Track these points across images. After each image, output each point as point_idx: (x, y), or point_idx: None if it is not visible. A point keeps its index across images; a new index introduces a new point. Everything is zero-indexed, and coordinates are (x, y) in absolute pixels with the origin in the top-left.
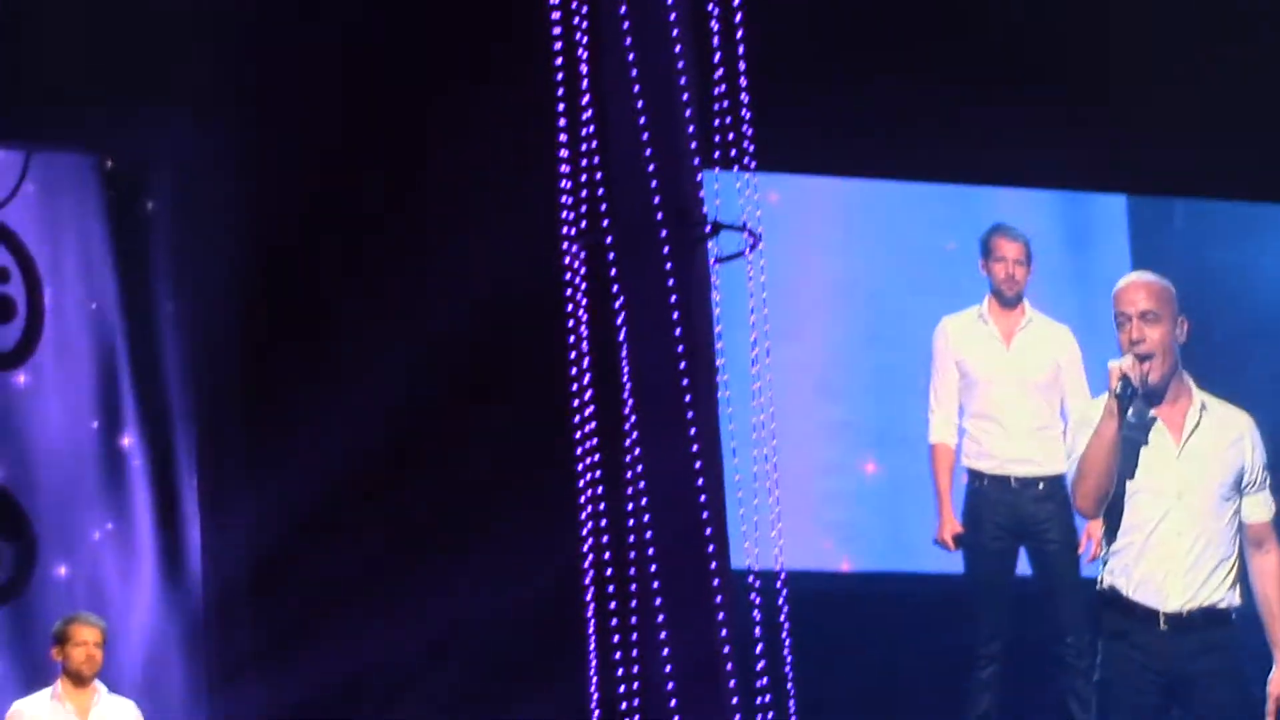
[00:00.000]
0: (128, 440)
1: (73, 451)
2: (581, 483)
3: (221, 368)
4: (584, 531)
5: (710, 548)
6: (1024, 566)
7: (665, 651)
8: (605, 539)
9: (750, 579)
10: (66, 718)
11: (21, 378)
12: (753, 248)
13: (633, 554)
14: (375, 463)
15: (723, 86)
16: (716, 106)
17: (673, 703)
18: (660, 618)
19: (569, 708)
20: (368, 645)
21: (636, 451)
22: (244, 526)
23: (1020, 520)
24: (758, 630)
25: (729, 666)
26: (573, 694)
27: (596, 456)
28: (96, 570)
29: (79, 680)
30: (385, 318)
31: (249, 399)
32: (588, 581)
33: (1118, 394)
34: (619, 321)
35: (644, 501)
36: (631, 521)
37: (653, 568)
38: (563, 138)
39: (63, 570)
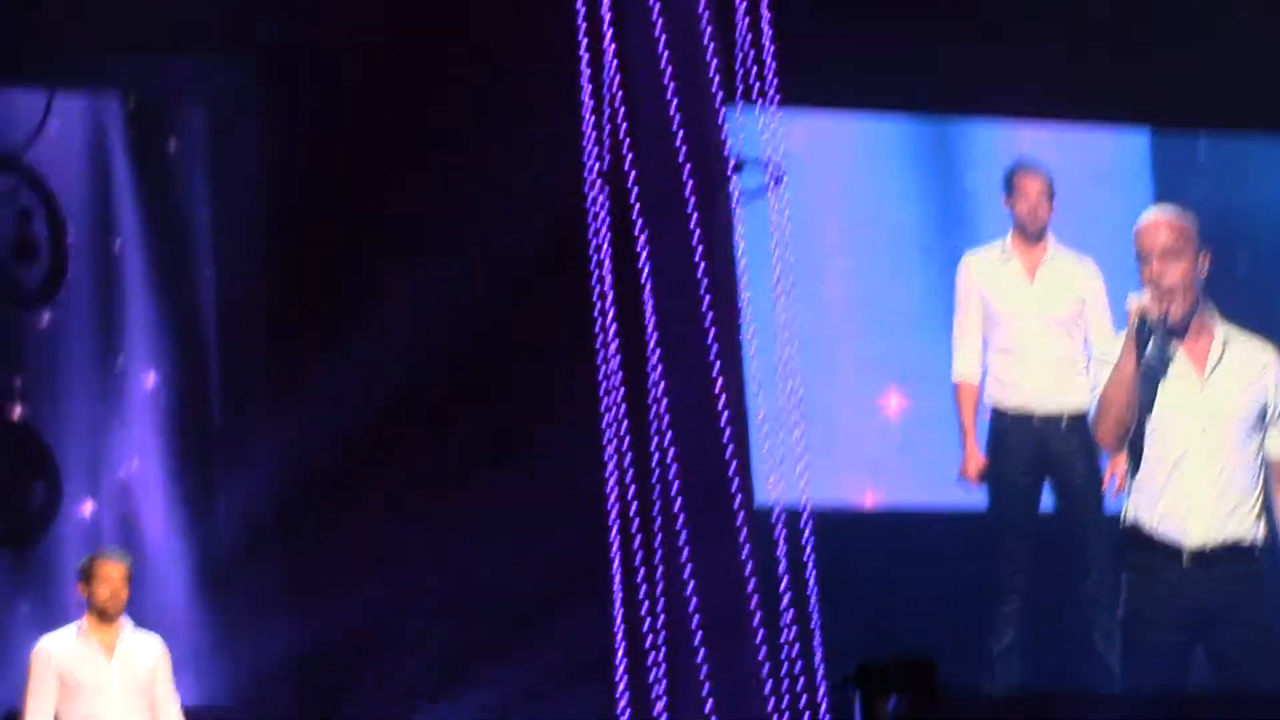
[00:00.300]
0: (152, 378)
1: (97, 389)
2: (605, 421)
3: (246, 307)
4: (608, 469)
5: (734, 484)
6: (1048, 502)
7: (690, 587)
8: (630, 476)
9: (775, 515)
10: (92, 654)
11: (46, 317)
12: (776, 184)
13: (657, 491)
14: (399, 402)
15: (745, 24)
16: (739, 44)
17: (698, 637)
18: (684, 554)
19: (595, 643)
20: (393, 583)
21: (660, 388)
22: (269, 464)
23: (1044, 455)
24: (782, 565)
25: (753, 602)
26: (598, 629)
27: (621, 394)
28: (123, 507)
29: (104, 617)
30: (411, 256)
31: (274, 337)
32: (612, 519)
33: (1136, 330)
34: (642, 259)
35: (668, 439)
36: (656, 459)
37: (677, 504)
38: (586, 75)
39: (89, 507)
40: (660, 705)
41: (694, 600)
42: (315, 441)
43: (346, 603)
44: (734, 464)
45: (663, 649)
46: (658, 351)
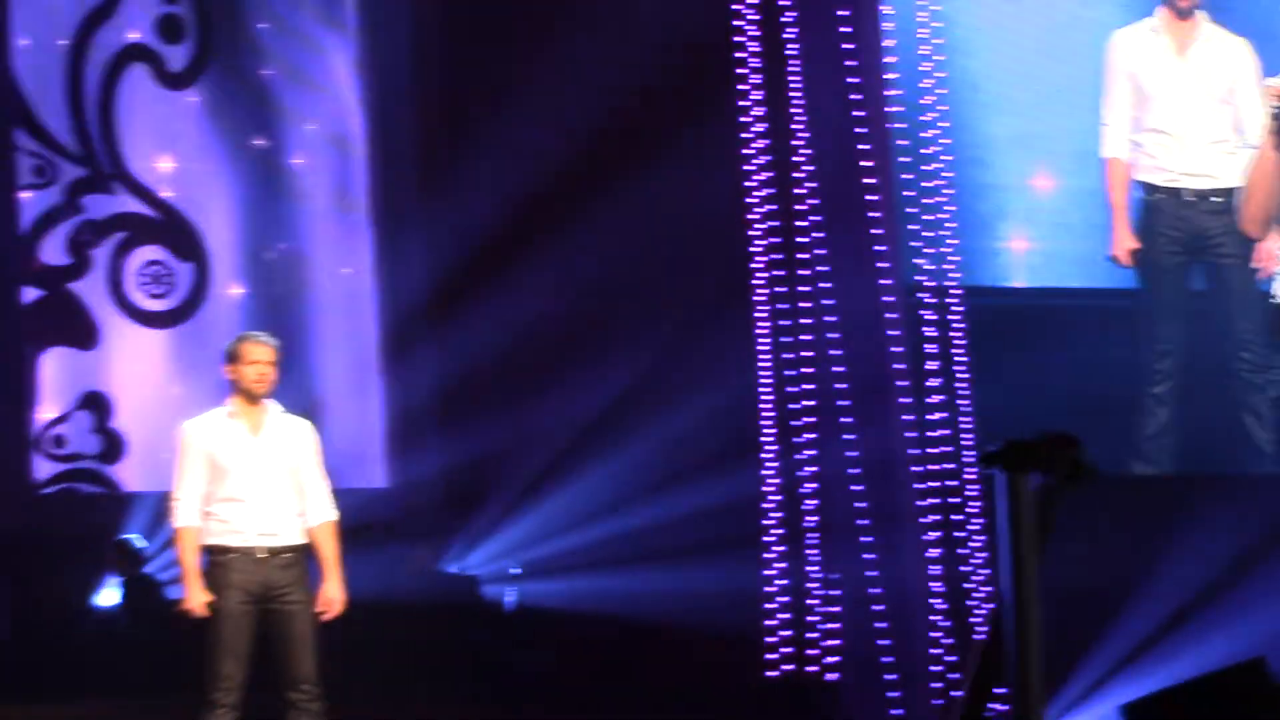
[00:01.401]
0: (299, 160)
1: (245, 171)
2: (750, 198)
3: (397, 92)
4: (755, 246)
5: (883, 261)
6: (1198, 281)
7: (841, 368)
8: (780, 259)
9: (924, 294)
10: (239, 435)
11: (192, 97)
12: None
13: (804, 271)
14: (551, 187)
15: None
16: None
17: (848, 419)
18: (836, 334)
19: (742, 422)
20: (542, 356)
21: (808, 171)
22: (419, 255)
23: (1194, 234)
24: (931, 345)
25: (902, 382)
26: (745, 409)
27: (769, 176)
28: (270, 290)
29: (251, 398)
30: (557, 40)
31: (424, 128)
32: (759, 294)
33: (1275, 114)
34: (789, 33)
35: (816, 220)
36: (804, 240)
37: (827, 283)
38: None
39: (238, 290)
40: (809, 484)
41: (844, 382)
42: (466, 232)
43: (494, 386)
44: (883, 244)
45: (814, 432)
46: (807, 134)
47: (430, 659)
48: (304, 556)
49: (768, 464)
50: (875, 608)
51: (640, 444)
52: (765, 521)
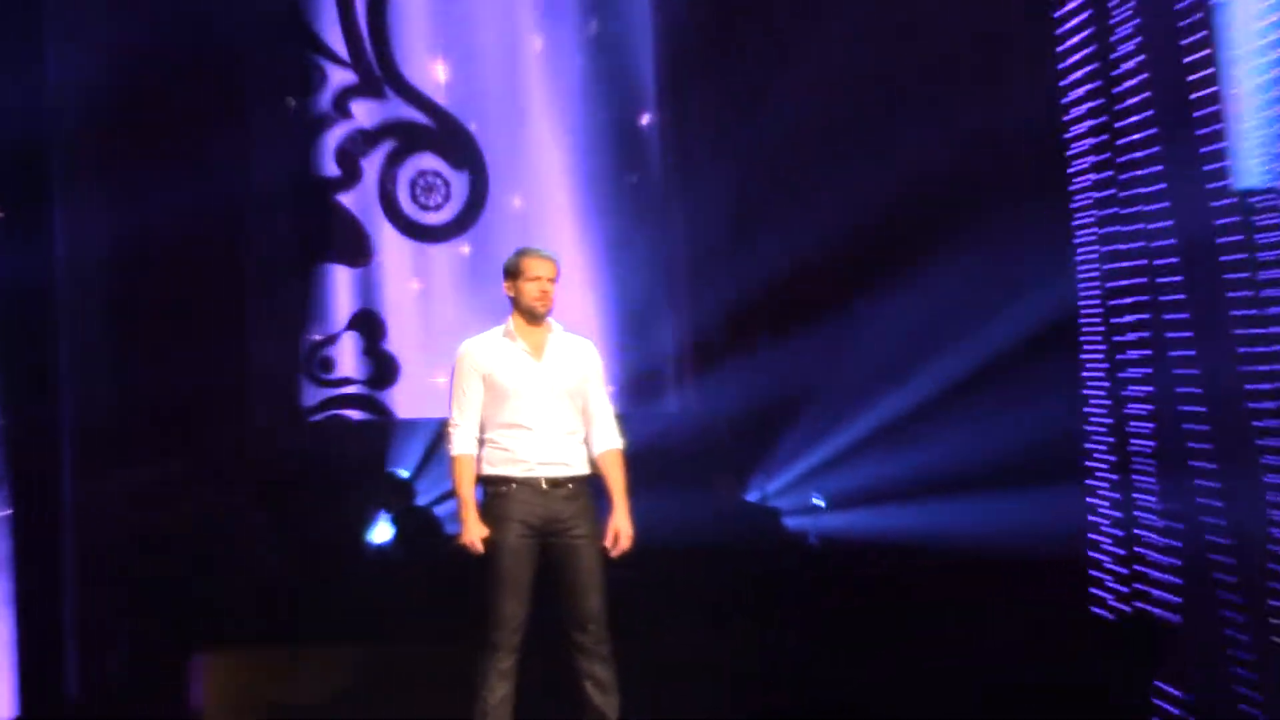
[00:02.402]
0: (580, 62)
1: (520, 73)
2: (1074, 95)
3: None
4: (1077, 147)
5: (1215, 166)
6: None
7: (1172, 279)
8: (1104, 157)
9: (1259, 199)
10: (519, 356)
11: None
12: None
13: (1129, 174)
14: (854, 99)
15: None
16: None
17: (1181, 335)
18: (1164, 243)
19: (1059, 329)
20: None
21: (1132, 65)
22: (711, 164)
23: None
24: (1270, 254)
25: (1236, 293)
26: (1064, 323)
27: (1094, 66)
28: (552, 200)
29: (532, 317)
30: None
31: (714, 28)
32: (1080, 202)
33: None
34: None
35: (1145, 118)
36: (1125, 141)
37: (1152, 189)
38: None
39: (517, 201)
40: (1138, 407)
41: (1176, 295)
42: (763, 132)
43: (794, 308)
44: (1213, 143)
45: (1143, 350)
46: (1132, 32)
47: (728, 595)
48: (589, 487)
49: (1093, 385)
50: (1212, 538)
51: (953, 367)
52: (1090, 446)
